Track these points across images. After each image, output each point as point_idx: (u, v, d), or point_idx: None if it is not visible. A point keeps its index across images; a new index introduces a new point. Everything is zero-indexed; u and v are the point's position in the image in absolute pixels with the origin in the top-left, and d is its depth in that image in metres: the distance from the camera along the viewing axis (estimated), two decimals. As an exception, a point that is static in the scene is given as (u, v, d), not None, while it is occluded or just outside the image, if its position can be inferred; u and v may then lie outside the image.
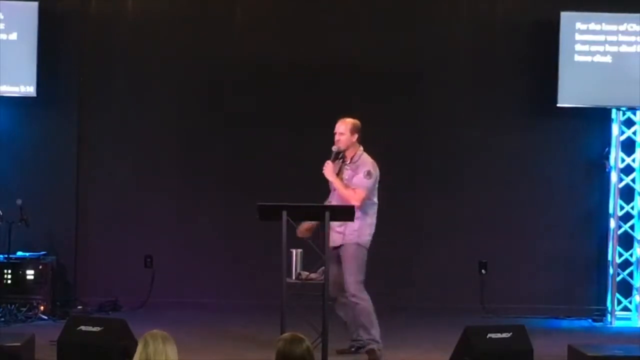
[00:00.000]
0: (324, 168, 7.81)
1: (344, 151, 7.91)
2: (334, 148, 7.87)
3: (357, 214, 7.64)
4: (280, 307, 7.23)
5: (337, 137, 7.89)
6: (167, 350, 4.30)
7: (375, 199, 7.91)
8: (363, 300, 7.77)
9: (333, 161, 7.85)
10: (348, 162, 7.90)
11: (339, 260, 7.79)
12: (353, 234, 7.78)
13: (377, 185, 7.90)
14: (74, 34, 10.21)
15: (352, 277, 7.75)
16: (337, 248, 7.77)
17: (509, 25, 10.31)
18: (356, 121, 7.95)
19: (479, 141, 10.33)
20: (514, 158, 10.36)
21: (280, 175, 10.06)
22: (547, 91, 9.93)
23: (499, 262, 10.19)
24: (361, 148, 7.95)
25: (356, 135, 7.90)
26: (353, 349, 7.95)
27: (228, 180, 10.28)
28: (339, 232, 7.72)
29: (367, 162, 7.87)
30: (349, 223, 7.66)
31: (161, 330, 4.40)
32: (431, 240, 10.31)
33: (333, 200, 7.87)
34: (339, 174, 7.86)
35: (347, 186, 7.79)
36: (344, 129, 7.88)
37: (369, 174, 7.81)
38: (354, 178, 7.81)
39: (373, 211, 7.90)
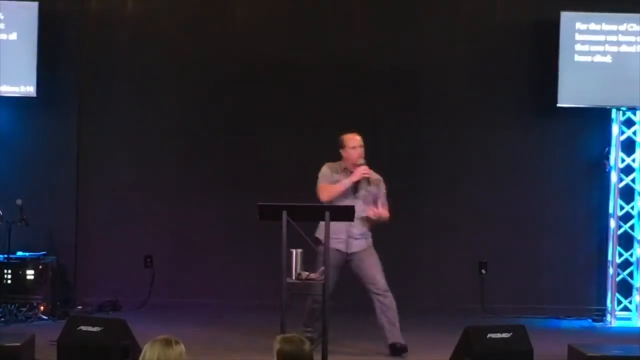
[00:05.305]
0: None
1: None
2: (362, 161, 7.97)
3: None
4: (280, 307, 7.23)
5: (362, 151, 7.98)
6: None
7: None
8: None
9: None
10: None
11: (343, 264, 7.89)
12: (369, 237, 8.00)
13: None
14: (74, 34, 10.20)
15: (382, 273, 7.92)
16: (355, 252, 7.91)
17: (509, 25, 10.30)
18: None
19: (479, 141, 10.33)
20: (514, 158, 10.36)
21: (280, 175, 10.06)
22: (547, 91, 9.92)
23: (499, 262, 10.19)
24: None
25: None
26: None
27: (228, 180, 10.28)
28: (359, 239, 7.91)
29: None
30: (366, 230, 7.92)
31: (165, 336, 4.24)
32: (431, 240, 10.30)
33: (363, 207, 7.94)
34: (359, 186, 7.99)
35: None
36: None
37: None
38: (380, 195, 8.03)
39: None
